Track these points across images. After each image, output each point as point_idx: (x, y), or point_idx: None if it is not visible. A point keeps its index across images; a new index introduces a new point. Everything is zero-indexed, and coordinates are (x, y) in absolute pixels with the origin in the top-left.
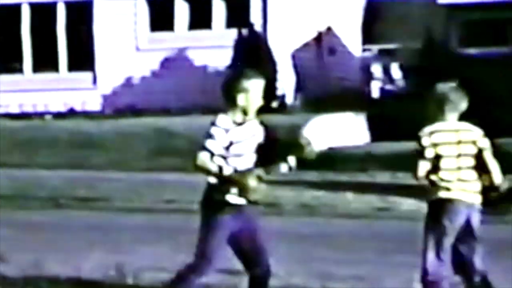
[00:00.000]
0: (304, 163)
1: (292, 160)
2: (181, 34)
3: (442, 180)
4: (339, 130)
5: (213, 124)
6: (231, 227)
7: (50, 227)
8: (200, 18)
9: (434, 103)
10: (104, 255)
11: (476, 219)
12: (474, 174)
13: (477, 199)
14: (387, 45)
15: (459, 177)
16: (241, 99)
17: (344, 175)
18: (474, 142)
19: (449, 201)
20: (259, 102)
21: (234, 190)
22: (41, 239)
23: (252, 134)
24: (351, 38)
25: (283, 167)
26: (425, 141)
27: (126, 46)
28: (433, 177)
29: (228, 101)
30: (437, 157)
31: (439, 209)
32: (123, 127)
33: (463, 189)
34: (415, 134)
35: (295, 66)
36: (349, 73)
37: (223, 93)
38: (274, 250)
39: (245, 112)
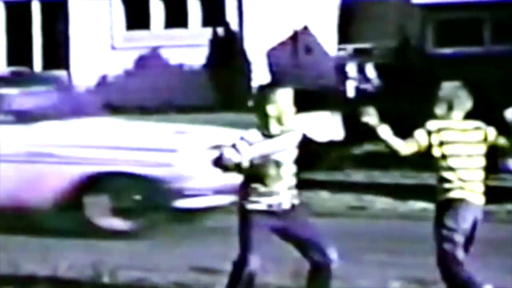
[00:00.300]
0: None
1: None
2: (157, 32)
3: (449, 180)
4: (314, 129)
5: (241, 138)
6: (270, 224)
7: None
8: (176, 17)
9: (441, 101)
10: (79, 254)
11: (480, 222)
12: (482, 175)
13: (483, 201)
14: (362, 44)
15: (467, 177)
16: (271, 110)
17: (319, 174)
18: (483, 141)
19: (457, 201)
20: (291, 111)
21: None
22: (16, 237)
23: (289, 144)
24: (327, 37)
25: None
26: (434, 139)
27: (102, 45)
28: (444, 176)
29: (259, 114)
30: (444, 157)
31: (446, 210)
32: None
33: (472, 190)
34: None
35: (271, 65)
36: (325, 72)
37: (254, 107)
38: None
39: (280, 123)
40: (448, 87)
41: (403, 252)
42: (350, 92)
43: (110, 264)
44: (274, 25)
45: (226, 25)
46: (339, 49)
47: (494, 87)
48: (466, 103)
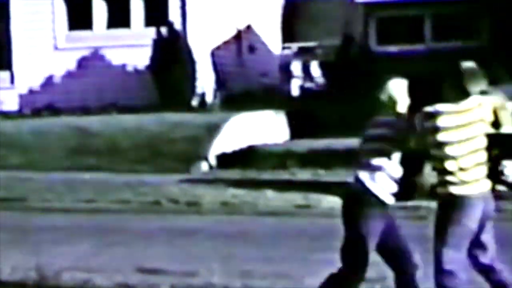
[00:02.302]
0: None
1: None
2: (100, 32)
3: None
4: (259, 128)
5: None
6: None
7: None
8: (119, 17)
9: (459, 81)
10: (23, 256)
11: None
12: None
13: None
14: (306, 43)
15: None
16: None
17: (264, 173)
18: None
19: (463, 197)
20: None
21: None
22: None
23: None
24: (271, 36)
25: None
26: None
27: (44, 45)
28: (447, 168)
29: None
30: (442, 144)
31: (451, 206)
32: (41, 126)
33: (476, 179)
34: (334, 131)
35: (215, 64)
36: (269, 71)
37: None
38: (194, 248)
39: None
40: (467, 65)
41: None
42: (295, 91)
43: (54, 266)
44: (218, 24)
45: (169, 25)
46: (284, 48)
47: (436, 84)
48: (482, 81)
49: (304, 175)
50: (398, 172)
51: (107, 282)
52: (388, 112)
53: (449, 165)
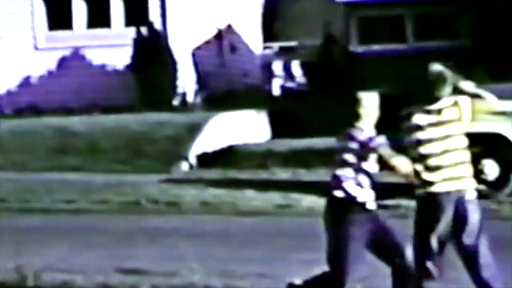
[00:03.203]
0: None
1: None
2: (80, 32)
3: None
4: (240, 128)
5: None
6: None
7: None
8: (99, 17)
9: (432, 82)
10: (3, 257)
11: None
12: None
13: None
14: (287, 42)
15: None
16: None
17: (245, 173)
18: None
19: (437, 194)
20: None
21: None
22: None
23: None
24: (252, 36)
25: None
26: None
27: (24, 45)
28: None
29: None
30: (420, 142)
31: (427, 205)
32: (22, 127)
33: (453, 178)
34: (316, 131)
35: (196, 64)
36: (250, 71)
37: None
38: (175, 248)
39: None
40: (438, 67)
41: None
42: (276, 90)
43: (34, 266)
44: (198, 24)
45: (149, 24)
46: (265, 48)
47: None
48: (456, 81)
49: (284, 174)
50: (375, 170)
51: (87, 283)
52: (359, 124)
53: (424, 164)
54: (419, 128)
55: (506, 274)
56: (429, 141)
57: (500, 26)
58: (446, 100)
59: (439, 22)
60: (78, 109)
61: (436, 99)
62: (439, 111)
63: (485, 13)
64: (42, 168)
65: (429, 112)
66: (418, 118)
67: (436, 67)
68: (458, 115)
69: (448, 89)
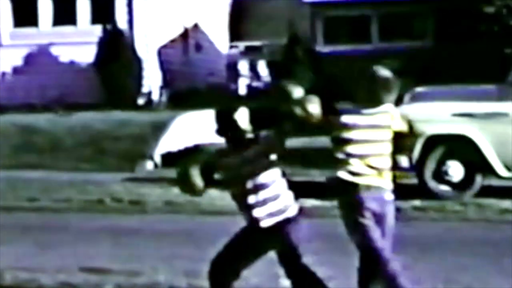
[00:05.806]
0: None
1: None
2: (45, 30)
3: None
4: (206, 127)
5: None
6: None
7: None
8: (65, 14)
9: (372, 86)
10: None
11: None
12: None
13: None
14: (253, 42)
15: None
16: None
17: None
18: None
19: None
20: None
21: None
22: None
23: None
24: (218, 35)
25: None
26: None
27: None
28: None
29: None
30: (346, 141)
31: (348, 205)
32: None
33: (374, 179)
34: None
35: (161, 63)
36: (216, 70)
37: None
38: (138, 248)
39: None
40: (382, 72)
41: None
42: (242, 90)
43: None
44: (164, 22)
45: (113, 22)
46: (231, 47)
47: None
48: (396, 89)
49: None
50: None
51: (50, 282)
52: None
53: (346, 164)
54: (349, 127)
55: (473, 275)
56: (354, 141)
57: (462, 26)
58: (381, 107)
59: (404, 22)
60: (42, 107)
61: (376, 104)
62: (371, 114)
63: (449, 14)
64: (5, 165)
65: (360, 114)
66: (348, 118)
67: (385, 72)
68: (389, 122)
69: (391, 96)
